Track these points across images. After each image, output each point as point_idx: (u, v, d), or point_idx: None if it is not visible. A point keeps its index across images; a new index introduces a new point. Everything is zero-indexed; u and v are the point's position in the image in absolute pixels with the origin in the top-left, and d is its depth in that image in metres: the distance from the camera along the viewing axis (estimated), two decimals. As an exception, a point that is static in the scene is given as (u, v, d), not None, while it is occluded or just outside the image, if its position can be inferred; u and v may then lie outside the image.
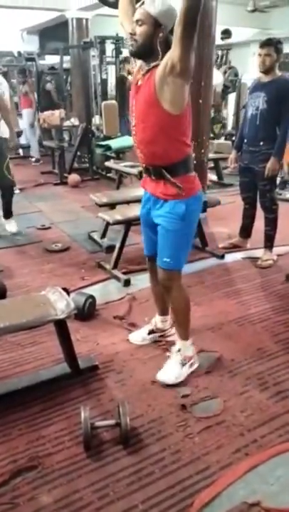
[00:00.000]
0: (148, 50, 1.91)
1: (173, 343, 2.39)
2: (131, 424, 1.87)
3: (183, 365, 2.27)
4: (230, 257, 3.80)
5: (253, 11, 8.96)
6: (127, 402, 1.96)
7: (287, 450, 1.84)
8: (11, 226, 4.47)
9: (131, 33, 1.93)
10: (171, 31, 1.85)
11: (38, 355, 2.47)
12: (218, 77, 6.43)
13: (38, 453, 1.83)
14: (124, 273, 3.38)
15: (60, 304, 2.12)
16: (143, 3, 1.89)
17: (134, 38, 1.91)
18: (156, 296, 2.55)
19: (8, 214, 4.49)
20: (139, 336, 2.60)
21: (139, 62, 2.04)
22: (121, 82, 7.22)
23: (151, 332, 2.60)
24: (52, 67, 8.74)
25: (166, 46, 1.87)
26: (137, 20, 1.89)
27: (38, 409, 2.06)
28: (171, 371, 2.26)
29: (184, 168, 2.06)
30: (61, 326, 2.17)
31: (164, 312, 2.57)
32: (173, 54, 1.78)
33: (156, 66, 1.89)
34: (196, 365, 2.33)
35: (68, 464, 1.78)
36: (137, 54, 1.98)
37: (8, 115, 4.22)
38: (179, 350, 2.30)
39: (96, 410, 2.03)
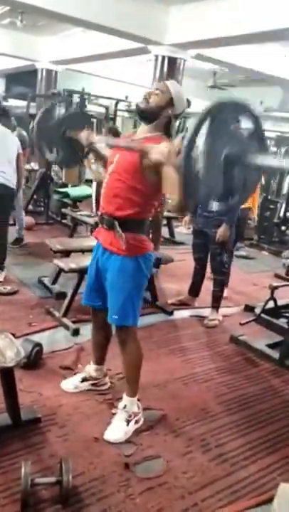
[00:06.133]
0: (152, 117, 2.08)
1: (118, 399, 2.37)
2: (72, 483, 1.80)
3: (128, 421, 2.25)
4: (179, 314, 3.89)
5: (213, 87, 9.75)
6: (69, 458, 1.91)
7: (227, 515, 1.85)
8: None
9: (145, 95, 2.08)
10: (176, 116, 2.09)
11: (-23, 403, 2.36)
12: None
13: None
14: (73, 322, 3.36)
15: (10, 352, 2.07)
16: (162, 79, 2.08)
17: (148, 100, 2.07)
18: (95, 345, 2.58)
19: None
20: (72, 384, 2.58)
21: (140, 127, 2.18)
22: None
23: (84, 380, 2.58)
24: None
25: (167, 124, 2.09)
26: (156, 89, 2.08)
27: (-27, 462, 1.95)
28: (119, 429, 2.22)
29: (137, 228, 2.15)
30: (7, 374, 2.10)
31: (99, 362, 2.59)
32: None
33: (149, 139, 2.02)
34: (141, 421, 2.32)
35: (2, 525, 1.68)
36: (143, 112, 2.10)
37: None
38: (125, 407, 2.29)
39: (35, 466, 1.94)
